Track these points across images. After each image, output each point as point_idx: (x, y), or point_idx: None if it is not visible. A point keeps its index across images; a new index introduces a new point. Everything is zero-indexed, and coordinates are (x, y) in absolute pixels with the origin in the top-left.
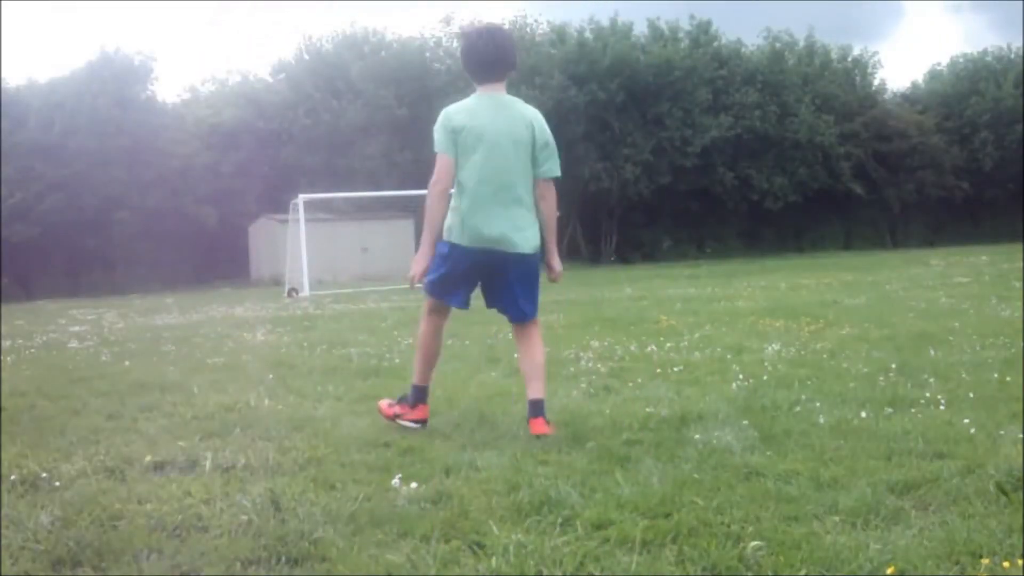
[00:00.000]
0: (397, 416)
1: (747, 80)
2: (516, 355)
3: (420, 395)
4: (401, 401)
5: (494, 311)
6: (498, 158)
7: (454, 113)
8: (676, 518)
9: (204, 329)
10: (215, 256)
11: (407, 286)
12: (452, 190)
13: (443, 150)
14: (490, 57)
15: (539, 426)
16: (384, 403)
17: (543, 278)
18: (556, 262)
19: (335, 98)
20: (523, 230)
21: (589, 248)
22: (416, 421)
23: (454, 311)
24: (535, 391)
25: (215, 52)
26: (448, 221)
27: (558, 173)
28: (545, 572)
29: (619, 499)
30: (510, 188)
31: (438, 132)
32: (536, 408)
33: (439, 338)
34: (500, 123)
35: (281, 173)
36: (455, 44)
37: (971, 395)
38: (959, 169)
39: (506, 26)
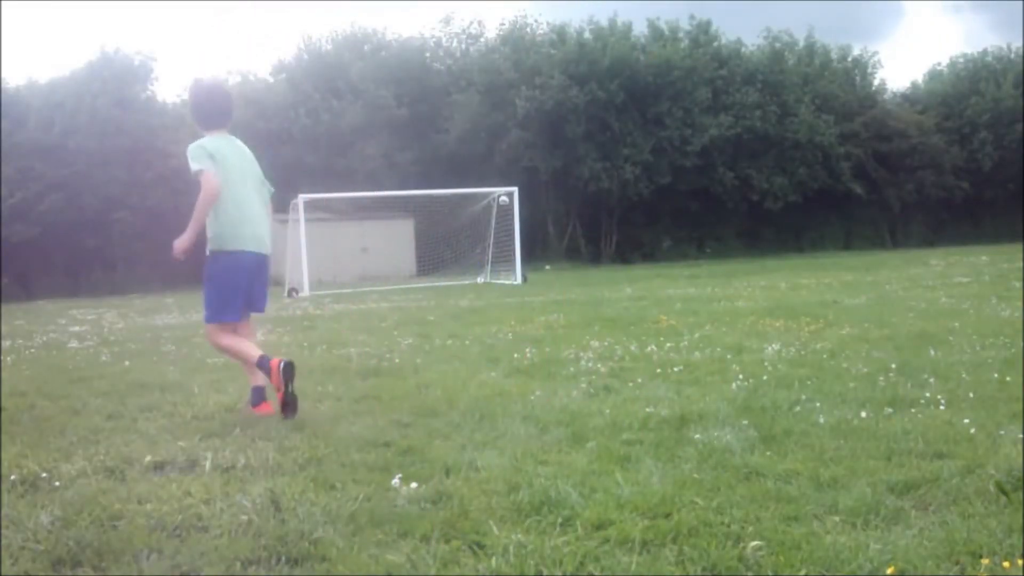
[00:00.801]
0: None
1: (747, 80)
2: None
3: (262, 393)
4: (255, 403)
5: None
6: (243, 182)
7: (206, 144)
8: (676, 518)
9: (204, 329)
10: None
11: (181, 258)
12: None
13: (209, 168)
14: (220, 108)
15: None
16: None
17: None
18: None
19: (335, 98)
20: (266, 235)
21: (589, 248)
22: (267, 413)
23: None
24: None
25: (215, 52)
26: (219, 234)
27: (272, 191)
28: (545, 572)
29: (619, 499)
30: (256, 203)
31: (200, 157)
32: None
33: (246, 342)
34: (236, 156)
35: (281, 173)
36: (455, 44)
37: (971, 395)
38: (959, 169)
39: (227, 82)
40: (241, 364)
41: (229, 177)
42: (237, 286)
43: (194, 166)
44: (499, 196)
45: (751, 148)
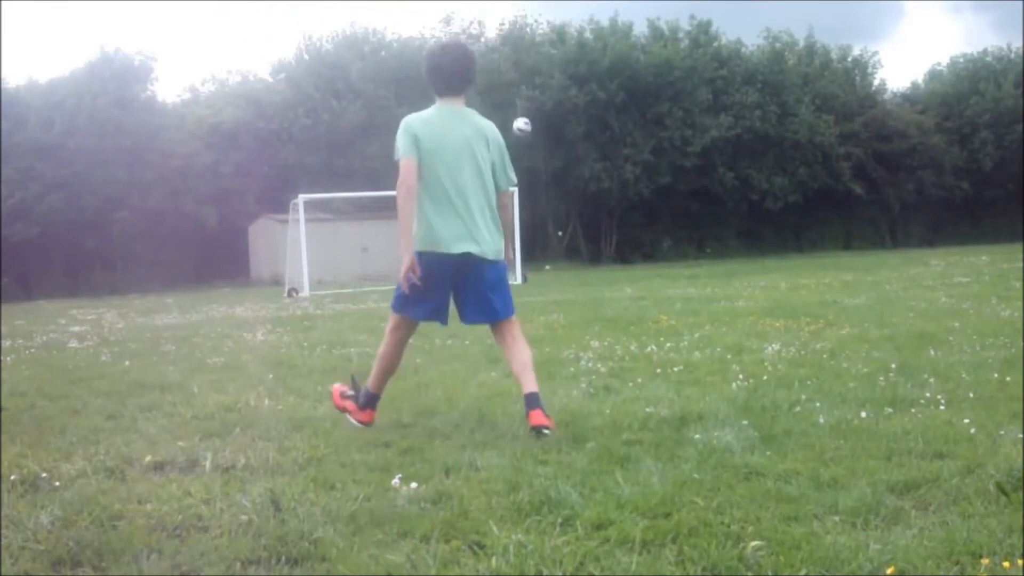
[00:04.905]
0: (345, 410)
1: (747, 80)
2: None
3: (371, 401)
4: (353, 397)
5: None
6: (458, 168)
7: (414, 121)
8: (676, 518)
9: (204, 329)
10: (215, 256)
11: (414, 278)
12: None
13: (407, 154)
14: (452, 72)
15: (538, 416)
16: (337, 388)
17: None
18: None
19: (335, 98)
20: (490, 236)
21: (589, 248)
22: (362, 422)
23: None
24: (530, 385)
25: (215, 52)
26: (415, 229)
27: (515, 182)
28: (545, 572)
29: (619, 499)
30: (473, 196)
31: (401, 138)
32: (533, 400)
33: (401, 353)
34: (458, 134)
35: (281, 173)
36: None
37: (971, 395)
38: (959, 169)
39: (467, 45)
40: (377, 365)
41: (437, 161)
42: (424, 286)
43: (398, 150)
44: (519, 124)
45: (751, 148)
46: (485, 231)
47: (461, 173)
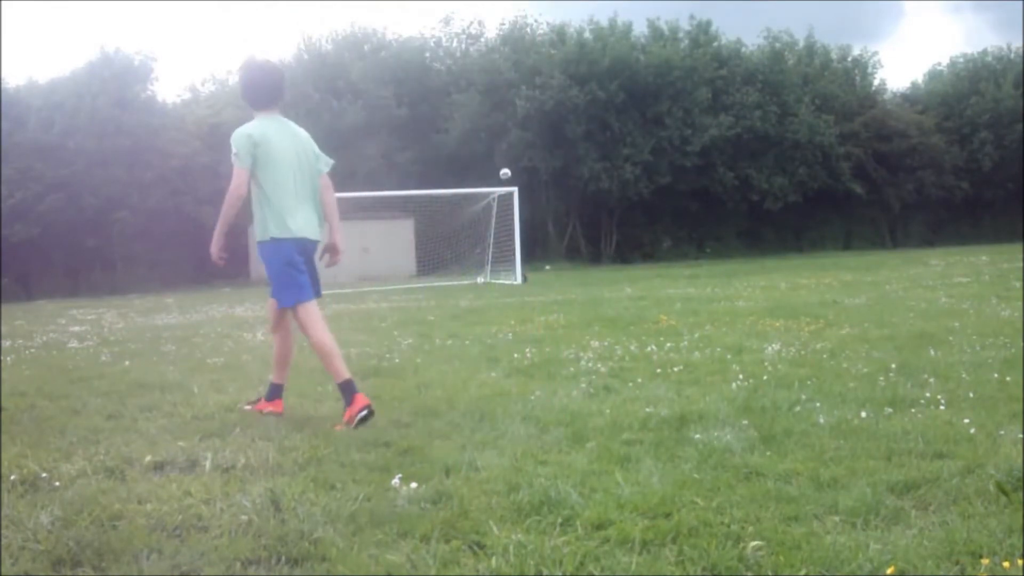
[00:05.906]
0: (260, 410)
1: (747, 80)
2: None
3: (278, 391)
4: (258, 400)
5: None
6: (290, 165)
7: (252, 132)
8: (676, 518)
9: (204, 329)
10: None
11: (221, 263)
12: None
13: (244, 164)
14: (268, 88)
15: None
16: (245, 406)
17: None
18: (340, 244)
19: (335, 98)
20: (316, 220)
21: (589, 248)
22: (275, 413)
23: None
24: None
25: (215, 52)
26: (265, 221)
27: (331, 164)
28: (545, 572)
29: (619, 499)
30: (303, 187)
31: (241, 149)
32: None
33: (291, 338)
34: (285, 139)
35: None
36: (455, 44)
37: (971, 395)
38: (959, 169)
39: (277, 63)
40: (278, 359)
41: (274, 163)
42: (294, 265)
43: (233, 158)
44: (501, 173)
45: (751, 148)
46: (316, 218)
47: (294, 171)
